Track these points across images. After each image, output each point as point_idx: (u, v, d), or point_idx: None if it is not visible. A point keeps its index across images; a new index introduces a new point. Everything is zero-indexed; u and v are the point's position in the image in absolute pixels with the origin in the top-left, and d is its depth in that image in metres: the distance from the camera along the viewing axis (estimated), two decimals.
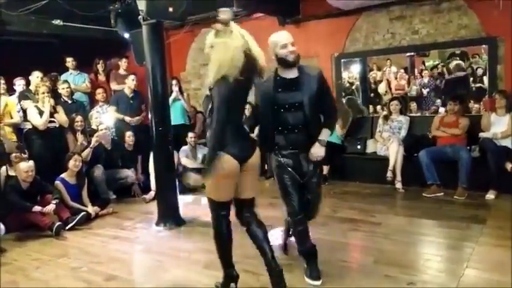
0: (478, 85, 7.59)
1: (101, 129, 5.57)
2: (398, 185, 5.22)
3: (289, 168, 2.83)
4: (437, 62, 8.85)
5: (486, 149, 4.80)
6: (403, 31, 6.03)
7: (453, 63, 7.78)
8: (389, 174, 5.21)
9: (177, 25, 7.11)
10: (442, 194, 4.87)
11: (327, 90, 2.89)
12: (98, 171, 5.30)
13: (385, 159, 5.35)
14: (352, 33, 6.39)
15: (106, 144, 5.60)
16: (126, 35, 5.04)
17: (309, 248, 2.90)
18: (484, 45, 5.89)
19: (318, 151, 2.81)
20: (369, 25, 6.26)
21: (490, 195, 4.66)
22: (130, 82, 6.18)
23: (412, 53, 8.13)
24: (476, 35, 5.54)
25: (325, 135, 2.84)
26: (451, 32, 5.70)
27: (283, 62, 2.78)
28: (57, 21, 6.21)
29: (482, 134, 4.96)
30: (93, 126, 5.93)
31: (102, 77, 7.00)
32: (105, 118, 6.04)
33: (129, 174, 5.65)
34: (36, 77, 5.70)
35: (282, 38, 2.78)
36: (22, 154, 4.75)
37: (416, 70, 9.06)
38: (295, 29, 6.46)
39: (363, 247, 3.62)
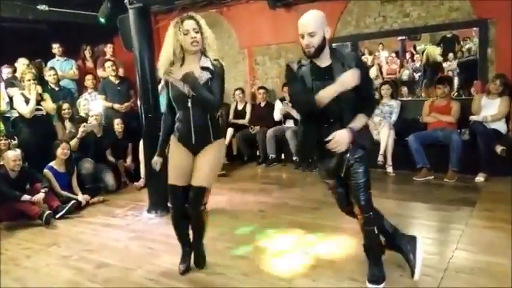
0: None
1: (91, 116, 5.47)
2: (389, 169, 5.24)
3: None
4: (428, 46, 8.82)
5: (476, 132, 4.82)
6: (394, 14, 5.99)
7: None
8: (380, 158, 5.23)
9: (165, 10, 7.00)
10: (432, 177, 4.90)
11: (364, 76, 2.40)
12: (89, 165, 5.20)
13: (376, 144, 5.35)
14: (344, 16, 6.33)
15: (96, 131, 5.49)
16: (102, 20, 4.94)
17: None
18: (475, 28, 5.86)
19: (340, 138, 2.36)
20: (360, 8, 6.20)
21: (480, 178, 4.70)
22: (108, 69, 6.09)
23: (404, 37, 8.09)
24: (467, 18, 5.51)
25: (358, 122, 2.41)
26: (442, 15, 5.66)
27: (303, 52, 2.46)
28: (42, 7, 6.07)
29: (472, 117, 4.97)
30: (82, 114, 5.85)
31: (90, 64, 6.89)
32: (93, 105, 5.95)
33: (110, 182, 5.36)
34: (22, 64, 5.60)
35: (299, 26, 2.41)
36: (11, 140, 4.69)
37: (407, 54, 9.03)
38: (285, 12, 6.38)
39: (354, 231, 3.63)
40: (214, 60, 2.67)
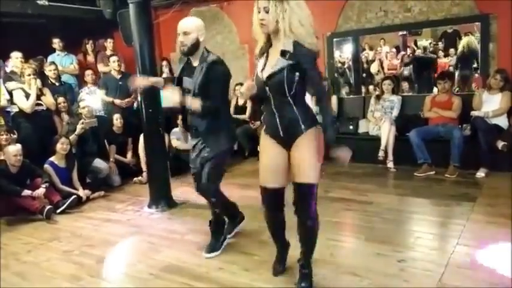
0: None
1: (82, 107, 5.38)
2: (390, 165, 5.23)
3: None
4: (429, 41, 8.78)
5: (477, 128, 4.81)
6: (396, 9, 5.95)
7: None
8: (381, 153, 5.23)
9: (166, 4, 6.98)
10: (433, 172, 4.89)
11: (214, 81, 2.82)
12: (103, 167, 5.23)
13: (377, 139, 5.35)
14: (345, 11, 6.30)
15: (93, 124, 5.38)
16: (107, 15, 4.93)
17: None
18: (476, 23, 5.83)
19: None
20: (362, 3, 6.16)
21: (481, 173, 4.69)
22: (113, 64, 6.06)
23: (405, 32, 8.05)
24: (469, 13, 5.48)
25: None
26: (444, 10, 5.63)
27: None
28: (42, 1, 6.05)
29: (473, 113, 4.95)
30: (80, 110, 5.83)
31: (91, 58, 6.87)
32: (91, 101, 5.91)
33: (116, 178, 5.45)
34: (15, 58, 5.53)
35: (178, 27, 2.84)
36: (11, 135, 4.68)
37: (409, 50, 9.00)
38: None
39: (354, 226, 3.64)
40: (304, 46, 2.20)
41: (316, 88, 2.31)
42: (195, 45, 2.84)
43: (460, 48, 7.60)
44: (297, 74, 2.23)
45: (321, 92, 2.32)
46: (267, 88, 2.30)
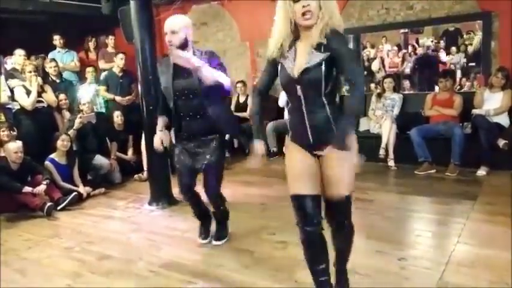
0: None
1: (83, 104, 5.37)
2: (391, 163, 5.23)
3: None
4: (431, 39, 8.75)
5: (478, 126, 4.80)
6: (397, 6, 5.93)
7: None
8: (381, 151, 5.22)
9: (167, 1, 6.96)
10: (434, 171, 4.89)
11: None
12: (104, 163, 5.24)
13: (378, 137, 5.35)
14: (346, 8, 6.28)
15: (91, 119, 5.35)
16: (105, 11, 4.92)
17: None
18: (478, 21, 5.81)
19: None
20: (363, 0, 6.15)
21: (482, 172, 4.69)
22: (119, 61, 6.05)
23: (406, 30, 8.04)
24: (471, 11, 5.46)
25: None
26: (445, 8, 5.61)
27: None
28: None
29: (475, 111, 4.95)
30: (81, 107, 5.82)
31: (93, 55, 6.87)
32: (82, 94, 5.89)
33: (116, 175, 5.46)
34: (18, 55, 5.52)
35: (165, 25, 2.78)
36: (11, 132, 4.68)
37: (410, 48, 8.98)
38: None
39: (355, 224, 3.62)
40: (331, 30, 1.89)
41: (349, 69, 1.88)
42: (184, 45, 2.76)
43: (473, 45, 7.56)
44: (335, 68, 1.93)
45: (354, 73, 1.89)
46: (298, 87, 1.97)
